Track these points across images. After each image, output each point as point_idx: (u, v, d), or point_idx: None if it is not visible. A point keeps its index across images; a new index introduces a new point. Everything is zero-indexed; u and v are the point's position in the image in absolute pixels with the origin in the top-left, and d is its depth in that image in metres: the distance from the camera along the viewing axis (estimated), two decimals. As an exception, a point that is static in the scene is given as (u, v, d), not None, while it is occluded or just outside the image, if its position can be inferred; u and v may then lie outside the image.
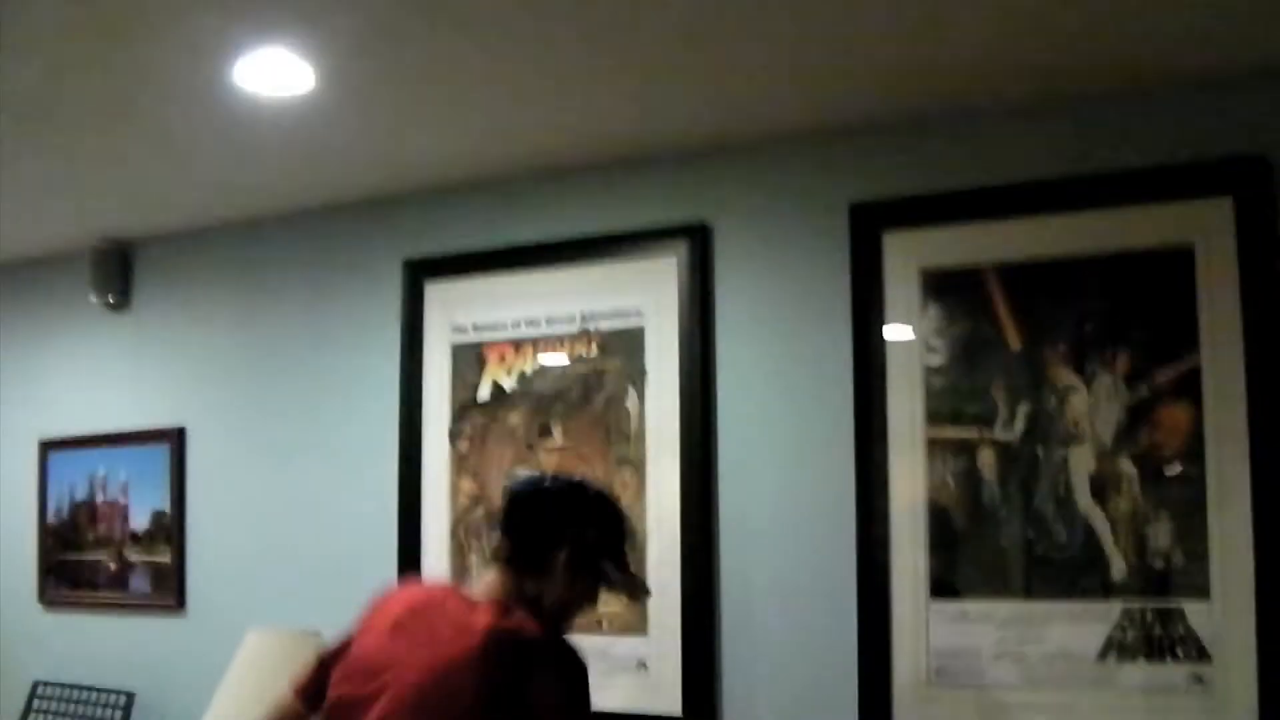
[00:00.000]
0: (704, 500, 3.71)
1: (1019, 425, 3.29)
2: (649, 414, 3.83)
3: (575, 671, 2.51)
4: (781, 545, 3.62)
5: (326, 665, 2.74)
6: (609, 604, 3.65)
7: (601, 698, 3.65)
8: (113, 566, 5.22)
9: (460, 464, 4.16)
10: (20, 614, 5.50)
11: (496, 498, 3.99)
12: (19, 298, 5.66)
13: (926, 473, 3.39)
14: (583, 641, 3.62)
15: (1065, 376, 3.25)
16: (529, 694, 2.40)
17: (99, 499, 5.29)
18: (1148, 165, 3.24)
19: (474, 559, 4.11)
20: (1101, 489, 3.20)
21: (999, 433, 3.31)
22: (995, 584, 3.30)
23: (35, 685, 5.24)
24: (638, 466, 3.82)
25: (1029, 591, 3.26)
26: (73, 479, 5.39)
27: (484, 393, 4.13)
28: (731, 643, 3.67)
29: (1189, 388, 3.14)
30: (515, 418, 4.06)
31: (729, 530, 3.71)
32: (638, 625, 3.78)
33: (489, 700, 2.39)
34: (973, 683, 3.30)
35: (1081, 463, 3.22)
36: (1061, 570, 3.22)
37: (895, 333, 3.47)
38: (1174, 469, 3.13)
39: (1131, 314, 3.20)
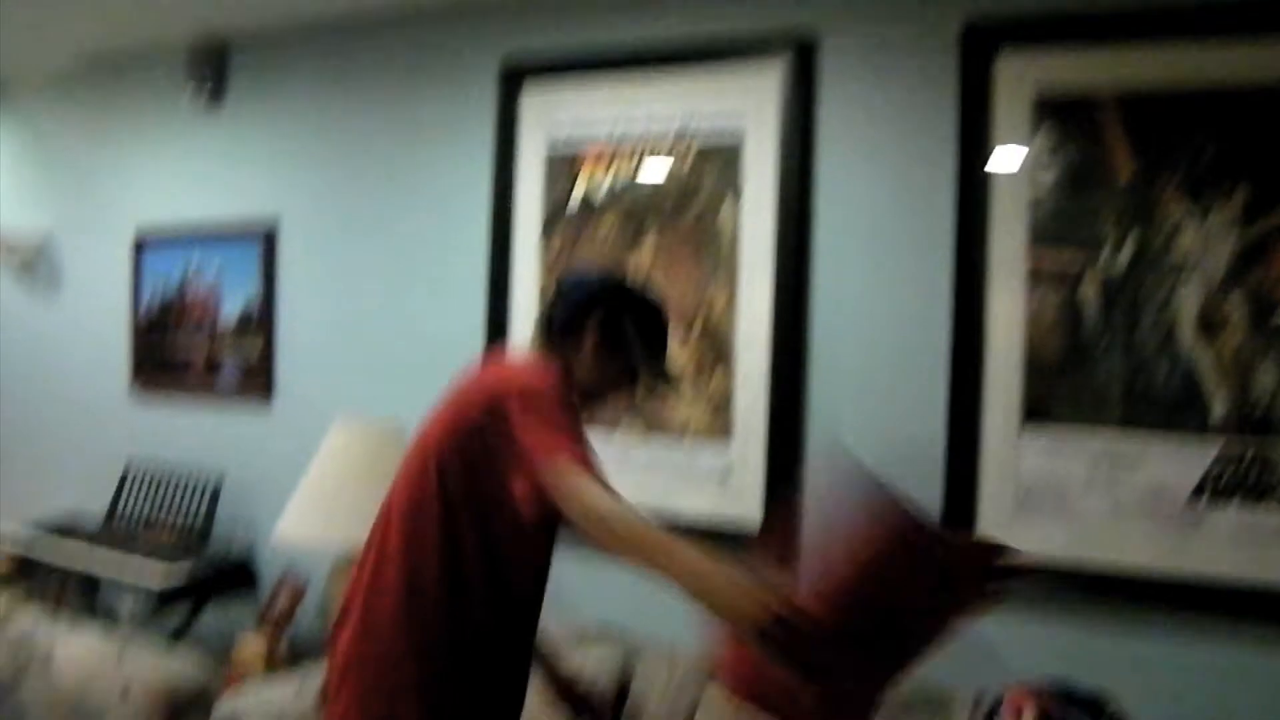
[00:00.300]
0: (795, 319, 3.69)
1: (1125, 256, 3.20)
2: (743, 229, 3.78)
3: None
4: (872, 365, 3.60)
5: None
6: (685, 406, 3.66)
7: (683, 502, 3.69)
8: (203, 356, 5.26)
9: (550, 267, 4.13)
10: (113, 400, 5.62)
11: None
12: (117, 91, 5.69)
13: (1026, 301, 3.32)
14: (665, 451, 3.67)
15: (1177, 209, 3.15)
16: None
17: (191, 291, 5.32)
18: (1278, -4, 3.09)
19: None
20: (1207, 326, 3.12)
21: (1104, 263, 3.23)
22: (1090, 415, 3.25)
23: (128, 465, 5.33)
24: (729, 281, 3.78)
25: (1125, 424, 3.21)
26: (167, 269, 5.44)
27: (577, 197, 4.09)
28: (815, 456, 3.65)
29: (1307, 227, 3.02)
30: (606, 225, 4.03)
31: (819, 350, 3.69)
32: (722, 434, 3.77)
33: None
34: (1060, 511, 3.27)
35: (1188, 298, 3.13)
36: (1160, 406, 3.16)
37: (1003, 158, 3.37)
38: (1284, 309, 3.04)
39: (1253, 149, 3.08)
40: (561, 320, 2.66)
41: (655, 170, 3.96)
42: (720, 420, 3.77)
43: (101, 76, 5.72)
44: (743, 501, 3.74)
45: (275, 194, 5.06)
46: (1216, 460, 3.09)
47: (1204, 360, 3.10)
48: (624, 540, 2.18)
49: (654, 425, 3.91)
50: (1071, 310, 3.26)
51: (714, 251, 3.80)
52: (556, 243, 4.13)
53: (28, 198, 6.09)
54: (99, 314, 5.71)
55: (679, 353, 3.86)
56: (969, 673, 3.08)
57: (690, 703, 3.47)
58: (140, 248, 5.54)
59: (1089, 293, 3.23)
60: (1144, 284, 3.17)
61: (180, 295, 5.41)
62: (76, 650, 4.07)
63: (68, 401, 5.86)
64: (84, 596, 5.38)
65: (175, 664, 3.93)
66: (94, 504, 5.44)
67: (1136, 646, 3.21)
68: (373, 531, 2.63)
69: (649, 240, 3.93)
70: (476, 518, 2.48)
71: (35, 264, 6.06)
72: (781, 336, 3.69)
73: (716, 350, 3.78)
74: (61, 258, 5.96)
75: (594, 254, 4.03)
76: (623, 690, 3.62)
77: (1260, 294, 3.05)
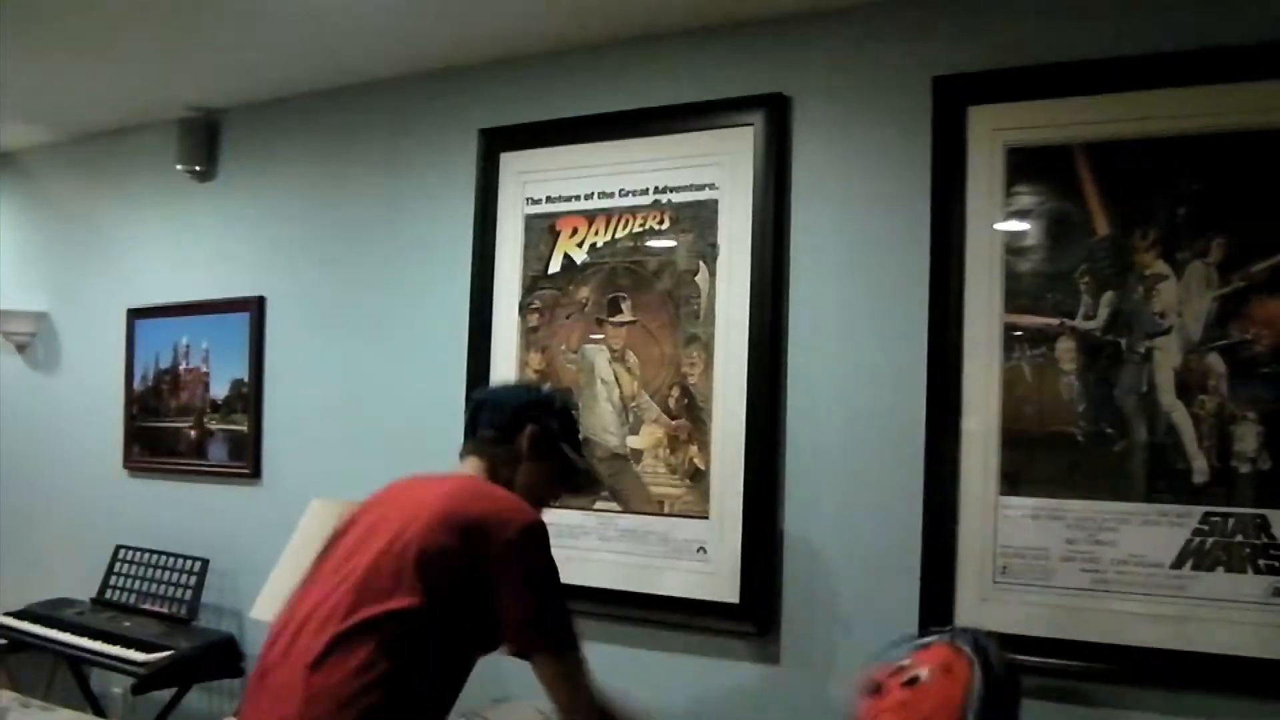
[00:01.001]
0: (772, 381, 3.58)
1: (1102, 314, 3.10)
2: (719, 291, 3.69)
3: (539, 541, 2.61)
4: (849, 432, 3.49)
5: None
6: (662, 484, 3.57)
7: (660, 581, 3.59)
8: (193, 434, 5.24)
9: (528, 338, 4.06)
10: (106, 479, 5.59)
11: (562, 374, 3.93)
12: (108, 167, 5.71)
13: (1002, 362, 3.21)
14: (645, 523, 3.58)
15: (1154, 264, 3.04)
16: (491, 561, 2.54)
17: (182, 367, 5.31)
18: (1251, 41, 2.99)
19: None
20: (1186, 385, 3.00)
21: (1080, 322, 3.12)
22: (1069, 482, 3.12)
23: (117, 549, 5.30)
24: (706, 344, 3.69)
25: (1104, 491, 3.07)
26: (158, 347, 5.43)
27: (555, 265, 4.02)
28: (794, 530, 3.55)
29: (1286, 280, 2.90)
30: (585, 292, 3.95)
31: (796, 414, 3.58)
32: (699, 508, 3.67)
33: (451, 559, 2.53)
34: (1039, 583, 3.15)
35: (1167, 356, 3.02)
36: (1140, 470, 3.04)
37: (976, 213, 3.28)
38: (1266, 367, 2.91)
39: (1228, 199, 2.97)
40: (493, 435, 2.84)
41: (632, 232, 3.88)
42: (697, 494, 3.66)
43: (95, 153, 5.74)
44: (720, 576, 3.62)
45: (263, 267, 5.03)
46: (1198, 526, 2.95)
47: (1183, 422, 2.98)
48: None
49: (631, 500, 3.79)
50: (1049, 370, 3.14)
51: (691, 314, 3.72)
52: (534, 316, 4.05)
53: (25, 277, 6.09)
54: (94, 392, 5.70)
55: (659, 426, 3.79)
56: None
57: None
58: (133, 325, 5.51)
59: (1066, 351, 3.12)
60: (1122, 343, 3.06)
61: (172, 372, 5.37)
62: (46, 736, 3.97)
63: (63, 483, 5.84)
64: (76, 681, 5.33)
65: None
66: (87, 587, 5.37)
67: (1114, 715, 3.06)
68: (310, 617, 2.59)
69: (627, 303, 3.84)
70: (451, 628, 2.55)
71: (33, 344, 6.06)
72: (757, 406, 3.59)
73: (693, 421, 3.67)
74: (58, 337, 5.95)
75: (574, 318, 3.96)
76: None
77: (1240, 350, 2.93)
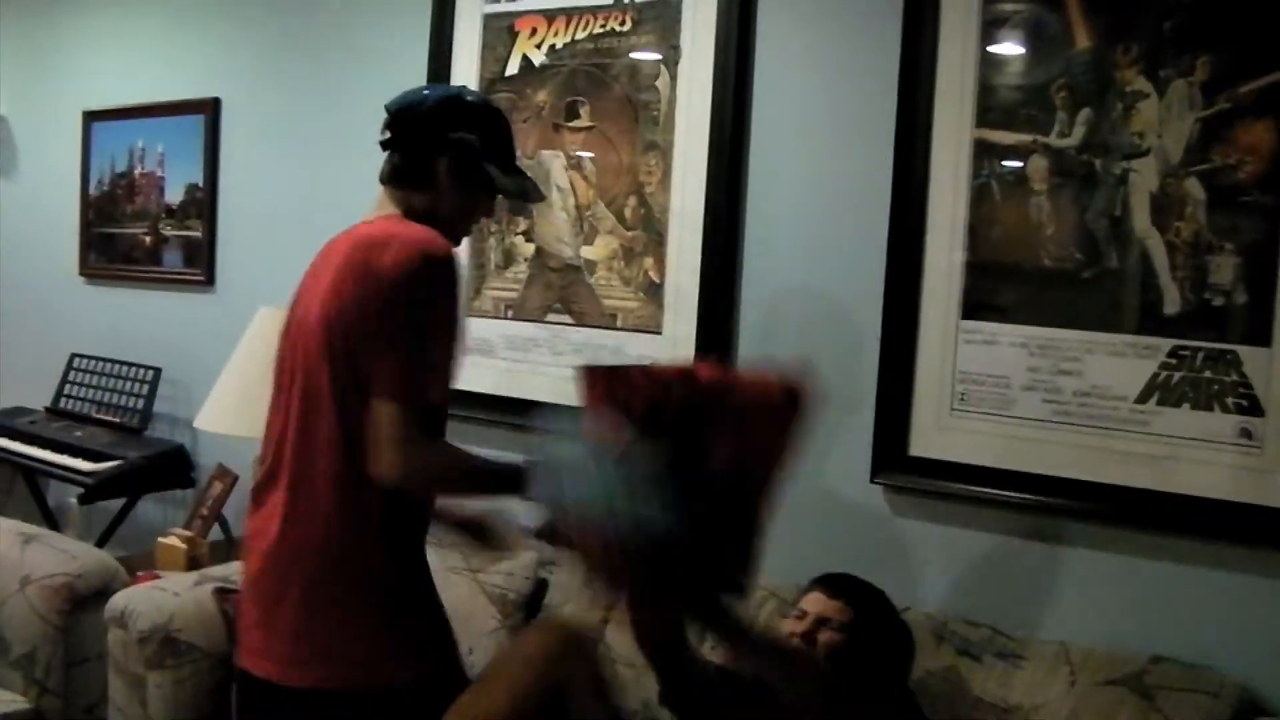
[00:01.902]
0: (731, 191, 3.41)
1: (1078, 132, 2.91)
2: (680, 95, 3.50)
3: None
4: (809, 249, 3.33)
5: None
6: (615, 298, 3.44)
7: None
8: (148, 240, 5.12)
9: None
10: (62, 286, 5.50)
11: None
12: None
13: (970, 178, 3.03)
14: (597, 337, 3.44)
15: (1135, 80, 2.84)
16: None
17: (137, 171, 5.16)
18: None
19: (492, 242, 3.87)
20: (1162, 211, 2.81)
21: (1054, 139, 2.93)
22: (1034, 308, 2.97)
23: (72, 357, 5.23)
24: (665, 152, 3.52)
25: (1070, 319, 2.92)
26: (113, 150, 5.27)
27: (513, 67, 3.84)
28: (748, 352, 3.40)
29: (1274, 103, 2.70)
30: (542, 96, 3.77)
31: (754, 227, 3.42)
32: (653, 324, 3.54)
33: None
34: (999, 413, 3.01)
35: (1143, 179, 2.83)
36: (1108, 298, 2.87)
37: (950, 22, 3.07)
38: (1247, 195, 2.73)
39: (1219, 14, 2.76)
40: (402, 164, 2.52)
41: (593, 33, 3.69)
42: (651, 309, 3.52)
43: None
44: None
45: (219, 69, 4.88)
46: (1166, 360, 2.80)
47: (1157, 250, 2.81)
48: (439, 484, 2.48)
49: (585, 314, 3.65)
50: (1019, 189, 2.97)
51: (650, 119, 3.54)
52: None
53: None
54: (51, 198, 5.59)
55: (614, 237, 3.65)
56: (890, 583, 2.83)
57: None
58: (89, 128, 5.35)
59: (1038, 170, 2.94)
60: (1096, 163, 2.88)
61: (128, 177, 5.23)
62: (-17, 540, 3.89)
63: (21, 291, 5.76)
64: (31, 492, 5.28)
65: (81, 557, 3.74)
66: (43, 396, 5.30)
67: (1075, 558, 2.95)
68: (284, 416, 2.47)
69: (585, 108, 3.67)
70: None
71: (-9, 148, 5.92)
72: (715, 220, 3.42)
73: (649, 233, 3.52)
74: (14, 141, 5.81)
75: (531, 122, 3.78)
76: (540, 585, 3.44)
77: (1221, 176, 2.74)
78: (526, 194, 2.68)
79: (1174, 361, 2.79)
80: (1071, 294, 2.91)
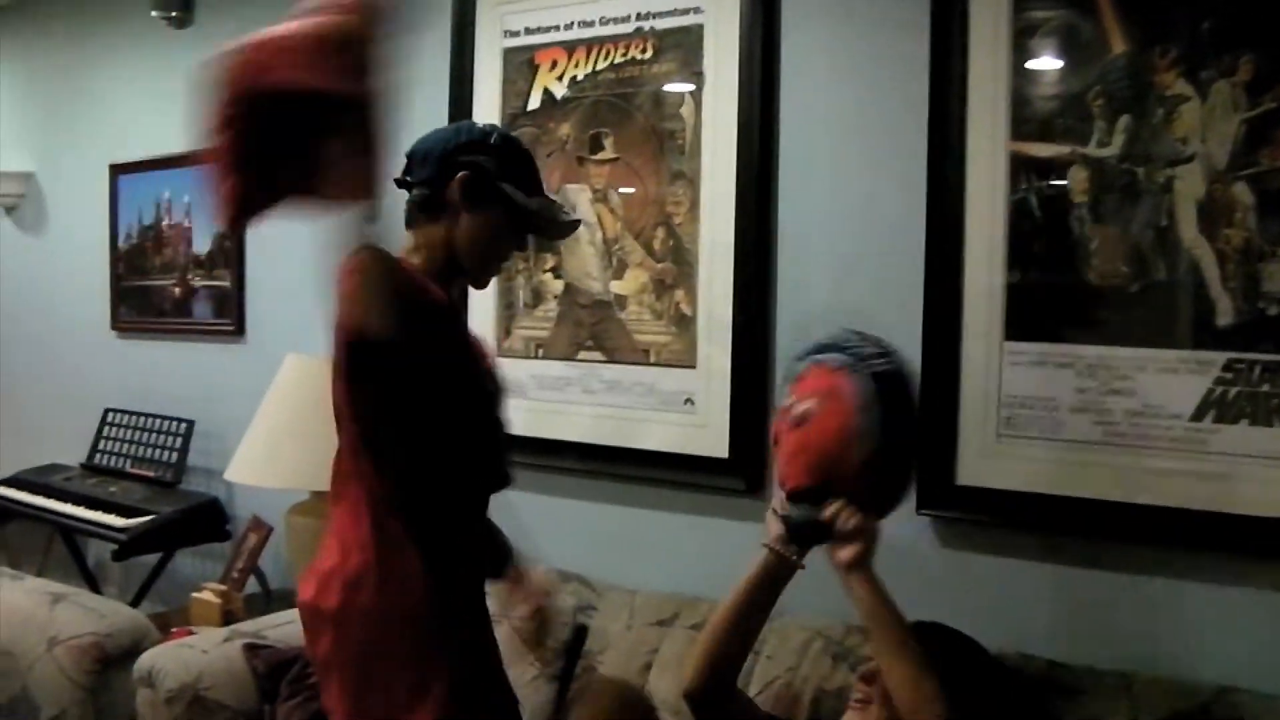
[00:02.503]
0: (761, 218, 3.31)
1: (1118, 141, 2.79)
2: (705, 123, 3.40)
3: None
4: (843, 275, 3.22)
5: None
6: (647, 332, 3.34)
7: (646, 435, 3.36)
8: (178, 292, 5.07)
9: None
10: (95, 341, 5.46)
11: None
12: (86, 17, 5.51)
13: (1008, 194, 2.92)
14: (630, 374, 3.35)
15: (1175, 84, 2.72)
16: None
17: (165, 223, 5.12)
18: None
19: (520, 280, 3.81)
20: (1210, 218, 2.69)
21: (1094, 149, 2.81)
22: (1080, 326, 2.84)
23: (106, 412, 5.19)
24: (692, 181, 3.42)
25: (1118, 337, 2.80)
26: (141, 203, 5.23)
27: (534, 101, 3.75)
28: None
29: (1324, 100, 2.58)
30: (565, 129, 3.69)
31: (787, 256, 3.32)
32: (686, 357, 3.44)
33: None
34: (1047, 436, 2.89)
35: (1188, 186, 2.71)
36: (1158, 312, 2.75)
37: (980, 32, 2.96)
38: (1300, 197, 2.60)
39: (1259, 11, 2.63)
40: (419, 196, 2.45)
41: (614, 63, 3.60)
42: (684, 342, 3.42)
43: (71, 4, 5.52)
44: (708, 429, 3.41)
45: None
46: (1221, 374, 2.67)
47: (1206, 259, 2.69)
48: None
49: (617, 349, 3.56)
50: (1059, 203, 2.85)
51: (675, 148, 3.45)
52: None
53: (10, 136, 5.93)
54: (81, 252, 5.58)
55: (643, 269, 3.56)
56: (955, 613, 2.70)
57: (650, 646, 3.17)
58: (116, 181, 5.32)
59: (1078, 181, 2.83)
60: (1139, 172, 2.76)
61: (155, 229, 5.19)
62: (12, 601, 3.83)
63: (54, 347, 5.74)
64: (69, 550, 5.24)
65: (110, 616, 3.67)
66: (78, 452, 5.26)
67: (1135, 583, 2.81)
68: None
69: (609, 140, 3.57)
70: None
71: (21, 206, 5.92)
72: (745, 248, 3.32)
73: (679, 265, 3.42)
74: (44, 197, 5.80)
75: (555, 156, 3.69)
76: (580, 631, 3.32)
77: (1270, 179, 2.62)
78: (554, 217, 2.56)
79: (1229, 376, 2.66)
80: (1119, 310, 2.79)
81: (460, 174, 2.38)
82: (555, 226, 2.60)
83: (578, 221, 2.83)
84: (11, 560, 5.52)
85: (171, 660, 3.28)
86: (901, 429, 2.47)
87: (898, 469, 2.52)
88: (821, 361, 2.51)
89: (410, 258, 2.43)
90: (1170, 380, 2.73)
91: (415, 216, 2.44)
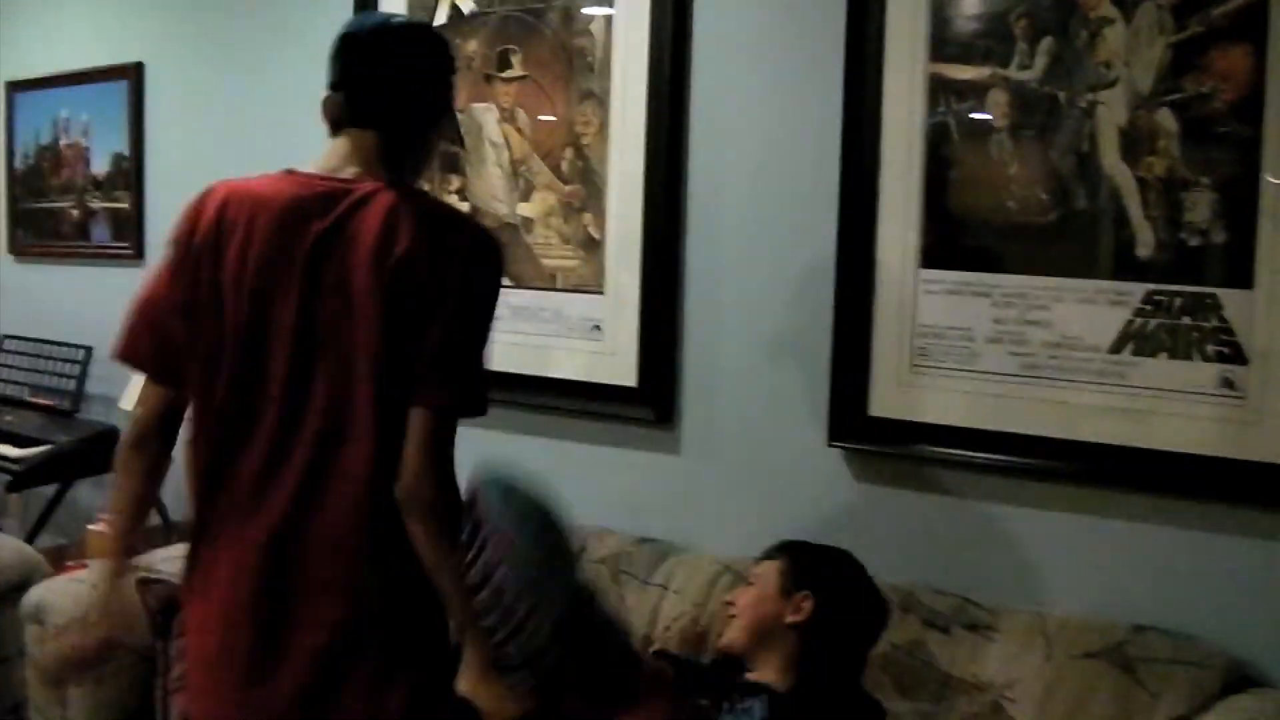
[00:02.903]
0: (673, 140, 3.20)
1: (1039, 63, 2.70)
2: (616, 40, 3.28)
3: None
4: (755, 198, 3.12)
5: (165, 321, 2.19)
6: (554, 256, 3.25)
7: (554, 363, 3.25)
8: (75, 214, 4.88)
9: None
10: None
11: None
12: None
13: (925, 117, 2.83)
14: (537, 299, 3.25)
15: (1100, 5, 2.63)
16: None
17: (63, 142, 4.93)
18: None
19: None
20: (1133, 145, 2.60)
21: (1014, 71, 2.72)
22: (997, 254, 2.76)
23: (2, 339, 5.02)
24: (602, 100, 3.31)
25: (1036, 266, 2.72)
26: (38, 122, 5.03)
27: (441, 16, 3.61)
28: (696, 309, 3.22)
29: (1251, 26, 2.48)
30: (473, 45, 3.55)
31: (698, 177, 3.22)
32: (594, 282, 3.35)
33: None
34: (963, 368, 2.81)
35: (1111, 112, 2.62)
36: (1077, 242, 2.67)
37: (900, -53, 2.84)
38: (1223, 126, 2.51)
39: (1188, -71, 2.55)
40: (403, 116, 2.16)
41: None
42: (592, 267, 3.32)
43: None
44: (617, 356, 3.31)
45: (141, 32, 4.66)
46: (1141, 306, 2.60)
47: (1128, 187, 2.61)
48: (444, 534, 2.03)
49: (523, 275, 3.45)
50: (978, 127, 2.76)
51: (586, 67, 3.33)
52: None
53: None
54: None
55: (550, 191, 3.44)
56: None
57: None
58: (12, 99, 5.13)
59: (998, 105, 2.73)
60: (1061, 96, 2.67)
61: (53, 148, 5.00)
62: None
63: None
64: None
65: (-1, 551, 3.54)
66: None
67: (1049, 521, 2.76)
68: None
69: (517, 60, 3.45)
70: None
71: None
72: (655, 169, 3.22)
73: (587, 187, 3.31)
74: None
75: (462, 75, 3.50)
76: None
77: (1194, 106, 2.53)
78: (460, 135, 2.50)
79: (1149, 308, 2.59)
80: (1037, 238, 2.71)
81: (449, 97, 2.22)
82: (460, 141, 2.46)
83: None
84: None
85: (61, 595, 3.16)
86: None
87: None
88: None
89: (345, 167, 2.13)
90: (1089, 311, 2.66)
91: (376, 128, 2.15)
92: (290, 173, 2.16)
